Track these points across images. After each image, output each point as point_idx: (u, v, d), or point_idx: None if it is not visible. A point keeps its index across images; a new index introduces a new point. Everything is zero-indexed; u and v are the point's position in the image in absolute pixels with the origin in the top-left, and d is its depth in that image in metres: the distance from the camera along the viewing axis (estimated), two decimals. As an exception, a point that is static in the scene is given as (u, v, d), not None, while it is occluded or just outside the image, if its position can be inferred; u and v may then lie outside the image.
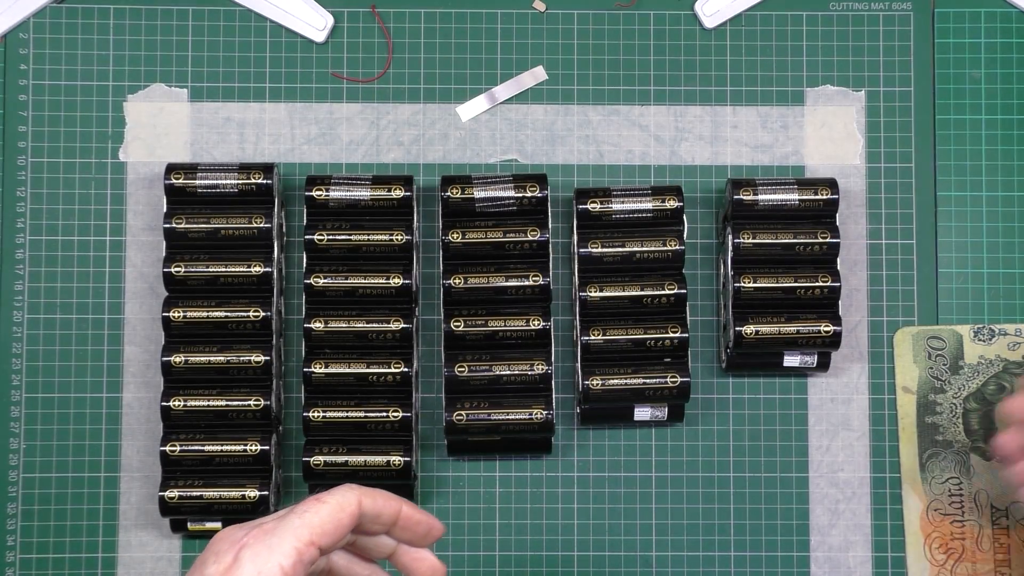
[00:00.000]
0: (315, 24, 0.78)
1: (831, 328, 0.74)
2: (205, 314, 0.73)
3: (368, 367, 0.73)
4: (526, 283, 0.74)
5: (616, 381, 0.73)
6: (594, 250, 0.74)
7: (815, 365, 0.76)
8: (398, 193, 0.74)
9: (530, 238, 0.74)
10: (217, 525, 0.74)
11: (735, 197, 0.75)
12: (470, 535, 0.76)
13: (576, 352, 0.75)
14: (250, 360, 0.73)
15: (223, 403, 0.73)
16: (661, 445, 0.77)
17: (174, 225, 0.74)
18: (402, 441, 0.74)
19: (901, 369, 0.77)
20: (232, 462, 0.73)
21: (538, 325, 0.74)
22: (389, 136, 0.78)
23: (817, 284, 0.74)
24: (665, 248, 0.74)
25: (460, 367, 0.73)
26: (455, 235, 0.74)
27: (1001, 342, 0.77)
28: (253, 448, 0.73)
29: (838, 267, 0.75)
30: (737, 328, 0.74)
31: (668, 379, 0.73)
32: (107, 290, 0.77)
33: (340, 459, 0.73)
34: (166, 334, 0.74)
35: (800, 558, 0.76)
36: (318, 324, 0.73)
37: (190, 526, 0.74)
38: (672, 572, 0.76)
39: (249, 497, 0.72)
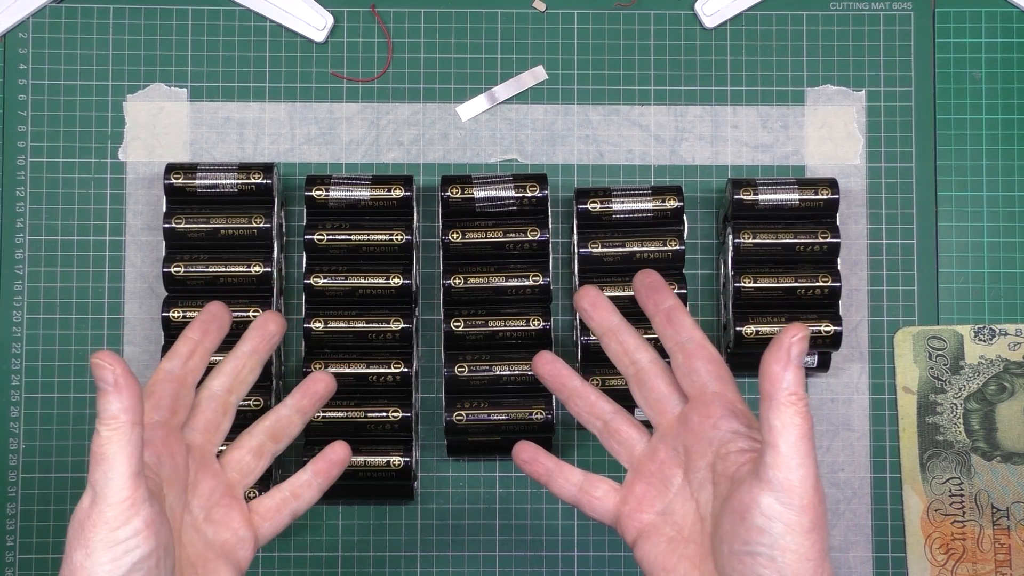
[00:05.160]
0: (315, 24, 0.78)
1: (831, 328, 0.74)
2: (205, 314, 0.73)
3: (368, 367, 0.73)
4: (526, 283, 0.74)
5: (617, 381, 0.73)
6: (594, 250, 0.74)
7: (815, 365, 0.76)
8: (398, 193, 0.74)
9: (530, 238, 0.74)
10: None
11: (735, 197, 0.75)
12: (470, 535, 0.76)
13: (576, 352, 0.75)
14: (250, 360, 0.73)
15: (223, 403, 0.73)
16: (661, 445, 0.77)
17: (173, 225, 0.74)
18: (402, 441, 0.74)
19: (901, 369, 0.77)
20: (232, 462, 0.73)
21: (538, 325, 0.74)
22: (389, 136, 0.78)
23: (817, 284, 0.74)
24: (665, 248, 0.74)
25: (460, 367, 0.73)
26: (455, 235, 0.74)
27: (1002, 342, 0.77)
28: (253, 448, 0.73)
29: (838, 267, 0.75)
30: (737, 328, 0.74)
31: (668, 379, 0.73)
32: (107, 290, 0.77)
33: (340, 459, 0.73)
34: (166, 334, 0.74)
35: (800, 558, 0.76)
36: (318, 324, 0.73)
37: (190, 526, 0.74)
38: (672, 572, 0.76)
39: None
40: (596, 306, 0.63)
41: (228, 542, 0.60)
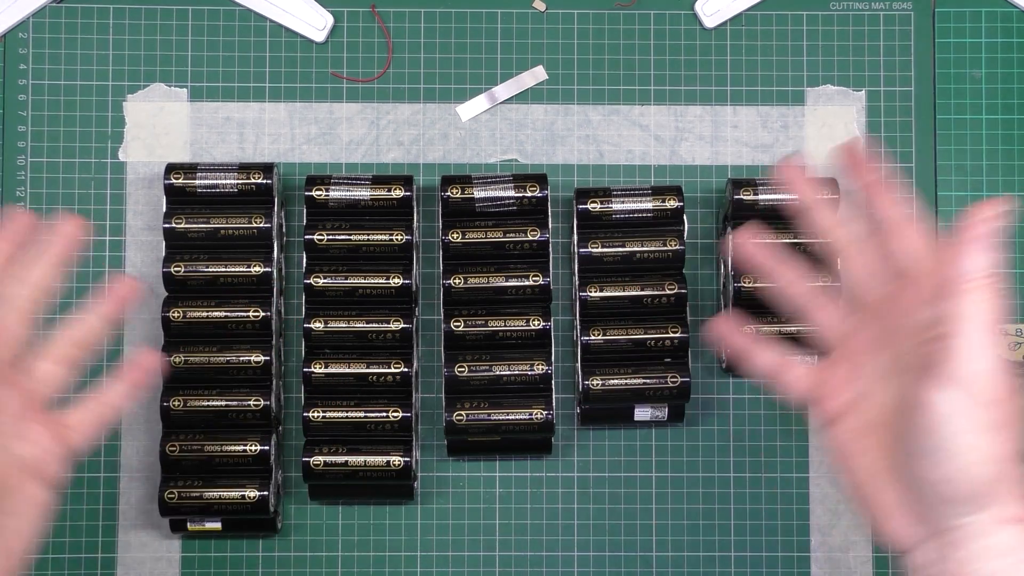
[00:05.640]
0: (315, 24, 0.78)
1: (831, 328, 0.74)
2: (205, 314, 0.73)
3: (368, 367, 0.73)
4: (526, 283, 0.74)
5: (616, 381, 0.73)
6: (594, 250, 0.74)
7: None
8: (398, 193, 0.74)
9: (530, 238, 0.74)
10: (217, 525, 0.74)
11: (735, 197, 0.75)
12: (470, 535, 0.76)
13: (576, 352, 0.75)
14: (250, 360, 0.73)
15: (223, 403, 0.73)
16: (661, 445, 0.77)
17: (174, 225, 0.74)
18: (402, 441, 0.74)
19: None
20: (232, 462, 0.73)
21: (538, 325, 0.74)
22: (389, 136, 0.78)
23: (817, 284, 0.74)
24: (665, 248, 0.74)
25: (460, 367, 0.73)
26: (455, 235, 0.74)
27: (1002, 342, 0.77)
28: (253, 448, 0.73)
29: (838, 267, 0.74)
30: (737, 328, 0.74)
31: (668, 379, 0.73)
32: (107, 290, 0.77)
33: (340, 459, 0.73)
34: (166, 334, 0.74)
35: (800, 558, 0.76)
36: (318, 324, 0.73)
37: (190, 526, 0.74)
38: (672, 572, 0.76)
39: (249, 497, 0.72)
40: (796, 182, 0.58)
41: (36, 457, 0.56)
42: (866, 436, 0.53)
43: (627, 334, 0.74)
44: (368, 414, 0.73)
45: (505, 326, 0.74)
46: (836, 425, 0.55)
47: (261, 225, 0.74)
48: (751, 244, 0.59)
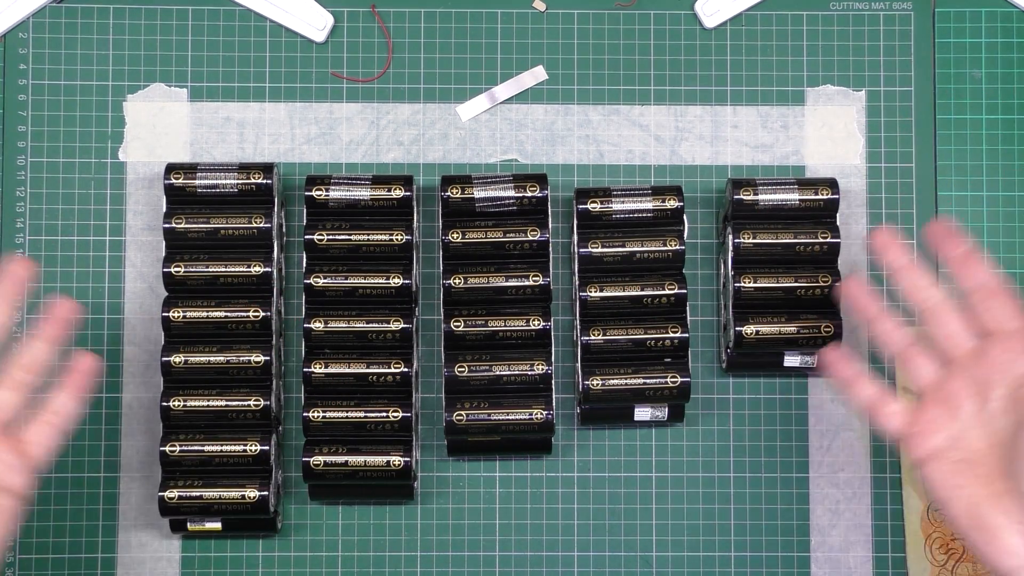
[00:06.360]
0: (315, 24, 0.78)
1: (831, 328, 0.74)
2: (205, 314, 0.73)
3: (368, 367, 0.73)
4: (526, 283, 0.74)
5: (616, 381, 0.73)
6: (594, 250, 0.74)
7: (815, 365, 0.76)
8: (398, 193, 0.74)
9: (530, 238, 0.74)
10: (217, 525, 0.74)
11: (735, 197, 0.75)
12: (470, 535, 0.76)
13: (576, 352, 0.75)
14: (250, 360, 0.73)
15: (223, 403, 0.73)
16: (661, 445, 0.77)
17: (174, 225, 0.74)
18: (402, 441, 0.74)
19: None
20: (232, 462, 0.73)
21: (538, 325, 0.74)
22: (389, 136, 0.78)
23: (817, 284, 0.74)
24: (665, 248, 0.74)
25: (460, 367, 0.73)
26: (455, 235, 0.74)
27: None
28: (253, 448, 0.73)
29: (838, 267, 0.75)
30: (737, 328, 0.74)
31: (668, 379, 0.73)
32: (107, 290, 0.77)
33: (340, 459, 0.73)
34: (166, 334, 0.74)
35: (800, 558, 0.76)
36: (318, 324, 0.73)
37: (190, 526, 0.74)
38: (672, 572, 0.76)
39: (249, 497, 0.72)
40: (888, 247, 0.67)
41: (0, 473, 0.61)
42: (965, 472, 0.61)
43: (627, 334, 0.74)
44: (368, 414, 0.73)
45: (505, 326, 0.74)
46: (932, 463, 0.62)
47: (261, 225, 0.74)
48: (859, 291, 0.68)
